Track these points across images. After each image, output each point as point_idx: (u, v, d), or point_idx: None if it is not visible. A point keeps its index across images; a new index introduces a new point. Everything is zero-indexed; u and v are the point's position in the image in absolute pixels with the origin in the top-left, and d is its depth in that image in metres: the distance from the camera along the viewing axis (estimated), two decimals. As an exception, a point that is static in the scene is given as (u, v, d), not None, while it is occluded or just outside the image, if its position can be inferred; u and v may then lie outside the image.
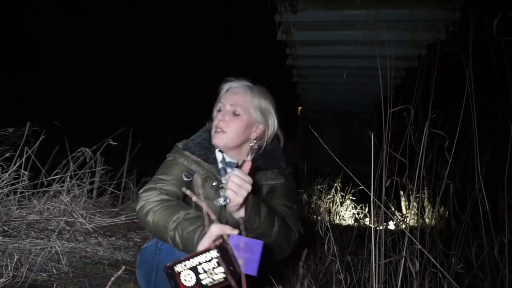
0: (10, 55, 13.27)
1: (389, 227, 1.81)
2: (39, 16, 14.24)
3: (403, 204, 3.79)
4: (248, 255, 0.85)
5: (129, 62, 14.49)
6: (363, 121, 9.88)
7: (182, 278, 0.75)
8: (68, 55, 14.65)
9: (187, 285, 0.75)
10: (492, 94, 1.58)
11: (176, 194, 1.21)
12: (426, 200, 2.05)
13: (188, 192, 0.77)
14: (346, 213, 4.35)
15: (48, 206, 2.33)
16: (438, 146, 1.53)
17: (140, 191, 1.21)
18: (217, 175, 1.25)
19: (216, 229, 0.90)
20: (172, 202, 1.14)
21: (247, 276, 0.80)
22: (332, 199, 4.36)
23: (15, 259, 1.62)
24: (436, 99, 1.51)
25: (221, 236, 0.90)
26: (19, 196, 2.27)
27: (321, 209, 4.15)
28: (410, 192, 1.64)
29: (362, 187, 1.38)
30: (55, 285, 1.62)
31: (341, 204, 4.39)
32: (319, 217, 3.70)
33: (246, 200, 1.04)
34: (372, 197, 1.33)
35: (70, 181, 2.50)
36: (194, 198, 0.74)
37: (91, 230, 2.30)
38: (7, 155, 2.25)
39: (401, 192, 3.33)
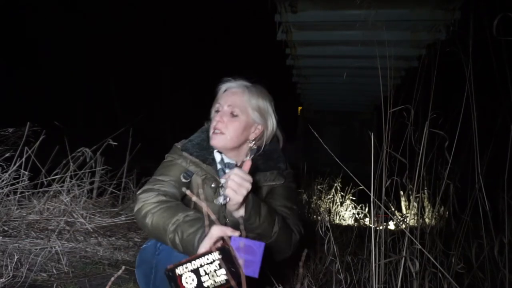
0: (10, 55, 13.28)
1: (389, 227, 1.81)
2: (39, 16, 14.25)
3: (403, 204, 3.79)
4: (250, 257, 0.85)
5: (129, 62, 14.50)
6: (363, 121, 9.90)
7: (183, 280, 0.75)
8: (68, 55, 14.67)
9: None
10: (492, 94, 1.58)
11: (174, 195, 1.20)
12: (426, 200, 2.05)
13: (188, 192, 0.77)
14: (346, 213, 4.35)
15: (48, 206, 2.33)
16: (438, 146, 1.53)
17: (138, 192, 1.20)
18: (216, 176, 1.24)
19: (217, 231, 0.89)
20: (171, 203, 1.13)
21: (248, 277, 0.80)
22: (332, 199, 4.36)
23: (15, 259, 1.62)
24: (436, 99, 1.51)
25: (222, 238, 0.89)
26: (19, 196, 2.27)
27: (321, 209, 4.15)
28: (410, 192, 1.64)
29: (362, 187, 1.38)
30: (55, 285, 1.62)
31: (341, 204, 4.39)
32: (319, 217, 3.70)
33: (246, 199, 1.04)
34: (372, 197, 1.33)
35: (70, 181, 2.50)
36: (194, 198, 0.74)
37: (91, 230, 2.30)
38: (7, 155, 2.25)
39: (401, 192, 3.33)
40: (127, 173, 3.11)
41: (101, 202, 2.79)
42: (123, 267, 0.89)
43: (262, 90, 1.31)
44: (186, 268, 0.75)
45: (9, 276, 1.54)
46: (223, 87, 1.31)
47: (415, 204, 1.98)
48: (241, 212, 1.07)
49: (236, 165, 1.27)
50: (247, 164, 1.04)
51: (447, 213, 1.74)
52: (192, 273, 0.75)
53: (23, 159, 2.24)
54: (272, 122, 1.31)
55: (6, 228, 2.02)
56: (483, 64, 1.52)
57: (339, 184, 4.36)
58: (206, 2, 16.16)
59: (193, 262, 0.75)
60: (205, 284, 0.74)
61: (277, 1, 5.00)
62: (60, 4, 15.17)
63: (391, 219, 2.02)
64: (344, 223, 4.15)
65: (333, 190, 4.36)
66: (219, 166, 1.25)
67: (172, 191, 1.20)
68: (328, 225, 1.55)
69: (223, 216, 1.25)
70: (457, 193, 1.58)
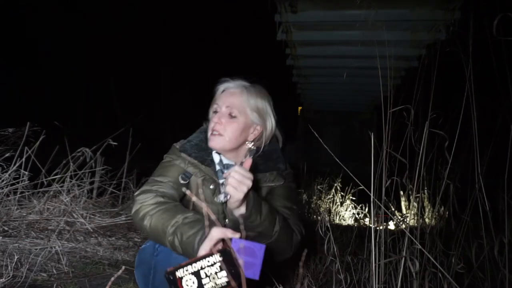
0: (10, 55, 13.28)
1: (389, 227, 1.81)
2: (39, 16, 14.25)
3: (403, 204, 3.79)
4: (250, 259, 0.84)
5: (129, 62, 14.51)
6: (363, 121, 9.91)
7: (183, 283, 0.74)
8: (68, 55, 14.67)
9: None
10: (492, 94, 1.58)
11: (172, 197, 1.18)
12: (426, 200, 2.05)
13: (188, 192, 0.77)
14: (346, 213, 4.35)
15: (48, 206, 2.33)
16: (438, 146, 1.53)
17: (136, 193, 1.19)
18: (215, 177, 1.24)
19: (217, 233, 0.89)
20: (169, 205, 1.12)
21: (249, 279, 0.80)
22: (332, 199, 4.36)
23: (15, 259, 1.62)
24: (436, 99, 1.51)
25: (222, 240, 0.89)
26: (19, 196, 2.27)
27: (321, 209, 4.15)
28: (410, 192, 1.64)
29: (362, 187, 1.38)
30: (55, 285, 1.62)
31: (341, 204, 4.39)
32: (319, 217, 3.70)
33: (246, 197, 1.03)
34: (372, 197, 1.33)
35: (70, 181, 2.50)
36: (194, 198, 0.74)
37: (91, 230, 2.30)
38: (7, 155, 2.25)
39: (401, 192, 3.33)
40: (127, 173, 3.11)
41: (101, 202, 2.79)
42: (123, 267, 0.89)
43: (260, 90, 1.30)
44: (186, 270, 0.74)
45: (9, 276, 1.54)
46: (221, 87, 1.30)
47: (415, 204, 1.98)
48: (242, 210, 1.06)
49: None
50: (248, 162, 1.03)
51: (447, 213, 1.74)
52: (193, 276, 0.74)
53: (23, 159, 2.24)
54: (271, 123, 1.29)
55: (6, 228, 2.02)
56: (483, 64, 1.52)
57: (339, 184, 4.36)
58: (206, 2, 16.18)
59: (193, 264, 0.74)
60: (206, 287, 0.74)
61: (277, 1, 5.01)
62: (60, 4, 15.19)
63: (391, 219, 2.02)
64: (344, 223, 4.15)
65: (333, 190, 4.36)
66: (218, 167, 1.24)
67: (170, 192, 1.19)
68: (328, 225, 1.55)
69: (223, 217, 1.24)
70: (457, 193, 1.58)
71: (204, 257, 0.75)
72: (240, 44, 16.51)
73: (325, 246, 1.51)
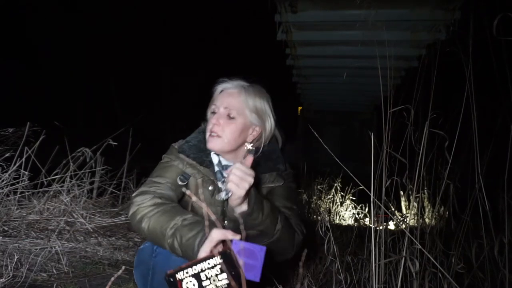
0: (10, 55, 13.28)
1: (389, 227, 1.81)
2: (39, 16, 14.25)
3: (403, 204, 3.79)
4: (251, 261, 0.83)
5: (129, 62, 14.50)
6: (363, 121, 9.91)
7: (184, 285, 0.74)
8: (68, 55, 14.66)
9: None
10: (492, 94, 1.58)
11: (170, 198, 1.17)
12: (426, 200, 2.05)
13: (187, 192, 0.77)
14: (346, 213, 4.35)
15: (48, 206, 2.33)
16: (438, 146, 1.53)
17: (134, 194, 1.17)
18: (213, 178, 1.23)
19: (217, 234, 0.87)
20: (167, 206, 1.10)
21: (249, 280, 0.80)
22: (332, 199, 4.36)
23: (15, 259, 1.63)
24: (436, 99, 1.51)
25: (222, 241, 0.88)
26: (19, 196, 2.27)
27: (321, 209, 4.15)
28: (410, 192, 1.64)
29: (362, 187, 1.38)
30: (55, 285, 1.62)
31: (341, 204, 4.39)
32: (319, 217, 3.70)
33: (248, 194, 1.02)
34: (372, 197, 1.33)
35: (70, 181, 2.50)
36: (194, 199, 0.74)
37: (91, 230, 2.30)
38: (7, 155, 2.25)
39: (401, 192, 3.33)
40: (127, 173, 3.11)
41: (101, 202, 2.79)
42: (123, 267, 0.89)
43: (259, 90, 1.28)
44: (186, 273, 0.74)
45: (9, 276, 1.54)
46: (219, 87, 1.28)
47: (415, 204, 1.98)
48: (244, 207, 1.05)
49: None
50: (249, 159, 1.03)
51: (447, 213, 1.74)
52: (193, 278, 0.74)
53: (23, 159, 2.24)
54: (270, 123, 1.27)
55: (6, 228, 2.02)
56: (483, 64, 1.52)
57: (339, 184, 4.37)
58: (206, 2, 16.18)
59: (194, 266, 0.74)
60: None
61: (277, 1, 5.01)
62: (60, 4, 15.18)
63: (391, 219, 2.02)
64: (344, 223, 4.15)
65: (333, 190, 4.36)
66: (216, 169, 1.23)
67: (168, 193, 1.18)
68: (328, 225, 1.55)
69: (222, 218, 1.24)
70: (457, 193, 1.58)
71: (204, 259, 0.74)
72: (240, 44, 16.51)
73: (325, 246, 1.51)
